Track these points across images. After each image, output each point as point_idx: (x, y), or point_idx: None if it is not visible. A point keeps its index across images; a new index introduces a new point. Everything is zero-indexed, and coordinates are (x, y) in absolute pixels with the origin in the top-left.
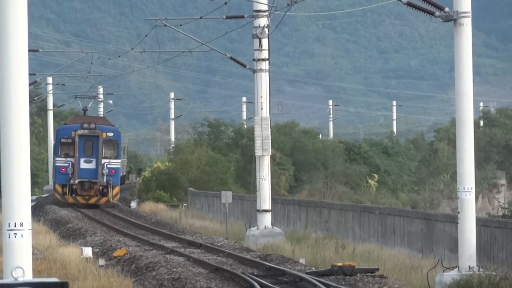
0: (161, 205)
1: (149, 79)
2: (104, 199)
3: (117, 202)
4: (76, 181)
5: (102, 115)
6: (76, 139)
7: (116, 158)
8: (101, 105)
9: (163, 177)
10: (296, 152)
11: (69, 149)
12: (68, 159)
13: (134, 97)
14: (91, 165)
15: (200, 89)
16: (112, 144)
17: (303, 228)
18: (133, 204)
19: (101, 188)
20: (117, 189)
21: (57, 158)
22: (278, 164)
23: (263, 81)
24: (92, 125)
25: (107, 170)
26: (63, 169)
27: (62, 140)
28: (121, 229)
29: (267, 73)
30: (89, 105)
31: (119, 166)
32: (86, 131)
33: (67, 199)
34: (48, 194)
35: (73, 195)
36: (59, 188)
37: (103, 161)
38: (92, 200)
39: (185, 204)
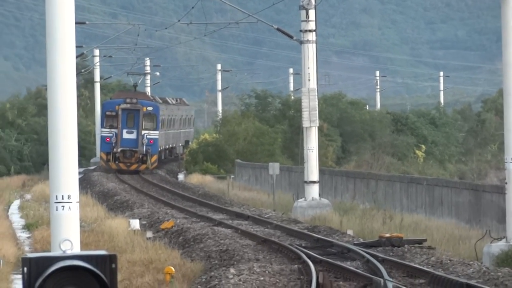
0: (209, 177)
1: (196, 51)
2: (143, 166)
3: (164, 174)
4: (119, 150)
5: (149, 87)
6: (120, 112)
7: (154, 129)
8: (148, 77)
9: (210, 149)
10: (343, 123)
11: (113, 121)
12: (112, 130)
13: (181, 69)
14: (133, 136)
15: (247, 61)
16: (151, 117)
17: (351, 199)
18: (180, 176)
19: (141, 156)
20: (155, 157)
21: (103, 129)
22: (326, 135)
23: (310, 52)
24: (134, 100)
25: (146, 140)
26: (108, 139)
27: (107, 113)
28: (168, 201)
29: (314, 44)
30: (139, 81)
31: (157, 136)
32: (128, 105)
33: (110, 166)
34: (95, 167)
35: (116, 162)
36: (103, 156)
37: (143, 132)
38: (133, 167)
39: (233, 176)
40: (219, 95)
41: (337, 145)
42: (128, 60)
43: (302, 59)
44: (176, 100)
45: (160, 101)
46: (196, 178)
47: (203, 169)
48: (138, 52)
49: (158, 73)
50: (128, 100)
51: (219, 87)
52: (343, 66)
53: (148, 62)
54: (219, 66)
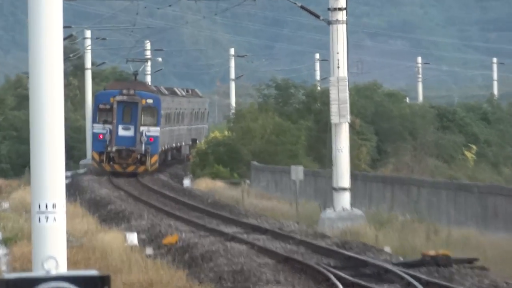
0: (220, 183)
1: (205, 33)
2: (142, 168)
3: (167, 179)
4: (114, 149)
5: (149, 75)
6: (115, 106)
7: (155, 125)
8: (149, 64)
9: (222, 149)
10: (379, 119)
11: (107, 115)
12: (106, 125)
13: (188, 53)
14: (130, 133)
15: (266, 44)
16: (152, 111)
17: (388, 209)
18: (186, 182)
19: (139, 156)
20: (155, 157)
21: (95, 125)
22: (358, 133)
23: (340, 34)
24: (131, 91)
25: (145, 138)
26: (101, 136)
27: (101, 106)
28: (172, 211)
29: (345, 25)
30: (140, 69)
31: (158, 134)
32: (125, 97)
33: (104, 167)
34: (85, 170)
35: (111, 163)
36: (96, 156)
37: (142, 128)
38: (130, 169)
39: (248, 181)
40: (232, 85)
41: (371, 144)
42: (125, 44)
43: (330, 42)
44: (187, 91)
45: (166, 92)
46: (204, 184)
47: (213, 173)
48: (137, 34)
49: (160, 59)
50: (124, 91)
51: (232, 75)
52: (379, 51)
53: (148, 46)
54: (232, 51)
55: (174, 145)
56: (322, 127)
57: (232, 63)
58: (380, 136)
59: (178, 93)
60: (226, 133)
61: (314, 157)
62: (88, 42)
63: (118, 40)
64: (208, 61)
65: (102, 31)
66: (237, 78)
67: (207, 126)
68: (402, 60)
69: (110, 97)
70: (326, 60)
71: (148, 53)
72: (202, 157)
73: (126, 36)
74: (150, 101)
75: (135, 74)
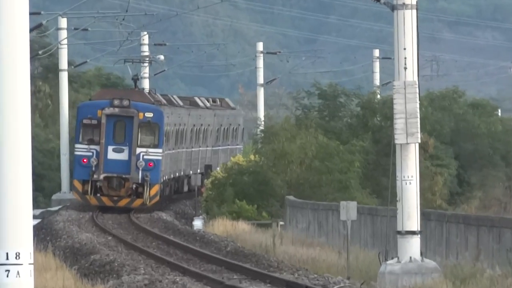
0: (243, 224)
1: (223, 21)
2: (138, 201)
3: (171, 219)
4: (101, 177)
5: (147, 79)
6: (103, 121)
7: (156, 147)
8: (146, 64)
9: (246, 178)
10: (460, 138)
11: (93, 133)
12: (92, 146)
13: (199, 50)
14: (122, 156)
15: (306, 38)
16: (152, 128)
17: (472, 259)
18: (198, 223)
19: (134, 186)
20: (156, 188)
21: (77, 145)
22: (432, 157)
23: (408, 24)
24: (125, 102)
25: (143, 163)
26: (85, 160)
27: (85, 121)
28: (178, 262)
29: (415, 11)
30: (142, 73)
31: (159, 157)
32: (116, 109)
33: (88, 200)
34: (60, 207)
35: (97, 194)
36: (78, 185)
37: (139, 150)
38: (122, 202)
39: (282, 223)
40: (261, 92)
41: (450, 173)
42: (114, 36)
43: (394, 34)
44: (213, 102)
45: (180, 103)
46: (222, 226)
47: (234, 212)
48: (130, 24)
49: (161, 57)
50: (116, 102)
51: (261, 79)
52: (461, 46)
53: (146, 40)
54: (260, 46)
55: (190, 172)
56: (383, 149)
57: (261, 63)
58: (461, 162)
59: (200, 104)
60: (252, 157)
61: (372, 189)
62: (64, 34)
63: (105, 32)
64: (227, 60)
65: (82, 19)
66: (267, 83)
67: (241, 147)
68: (492, 59)
69: (98, 109)
70: (389, 59)
71: (146, 49)
72: (220, 190)
73: (115, 26)
74: (149, 114)
75: (135, 79)
